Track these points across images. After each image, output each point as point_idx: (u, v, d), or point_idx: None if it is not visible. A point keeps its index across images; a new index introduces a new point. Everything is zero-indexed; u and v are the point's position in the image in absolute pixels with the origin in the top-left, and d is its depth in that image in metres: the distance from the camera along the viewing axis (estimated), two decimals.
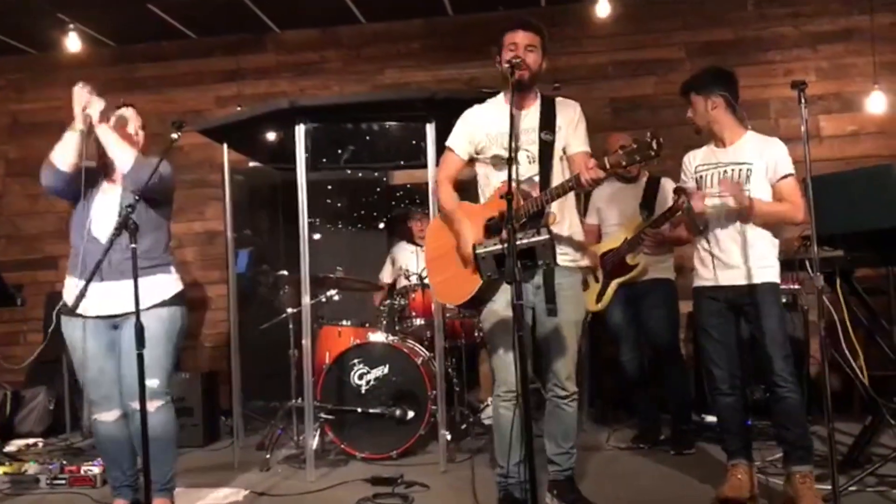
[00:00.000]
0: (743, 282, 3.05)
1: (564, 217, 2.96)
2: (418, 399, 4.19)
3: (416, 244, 5.14)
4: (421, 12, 5.89)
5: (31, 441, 4.97)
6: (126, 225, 2.68)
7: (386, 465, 4.03)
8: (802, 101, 2.69)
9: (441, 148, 3.22)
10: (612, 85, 5.74)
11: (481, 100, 3.14)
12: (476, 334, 4.61)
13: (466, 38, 5.75)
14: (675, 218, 3.87)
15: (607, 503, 3.16)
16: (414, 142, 4.83)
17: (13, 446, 4.82)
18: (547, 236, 2.51)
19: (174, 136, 2.84)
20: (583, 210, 4.60)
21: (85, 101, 3.02)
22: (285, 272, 4.75)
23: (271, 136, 4.64)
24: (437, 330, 4.01)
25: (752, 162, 3.06)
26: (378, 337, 4.44)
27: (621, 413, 4.99)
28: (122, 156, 3.02)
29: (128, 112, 3.23)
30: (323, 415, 4.18)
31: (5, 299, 4.61)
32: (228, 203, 4.49)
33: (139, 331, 2.65)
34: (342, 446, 4.21)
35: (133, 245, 2.68)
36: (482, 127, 3.01)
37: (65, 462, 3.99)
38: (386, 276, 5.41)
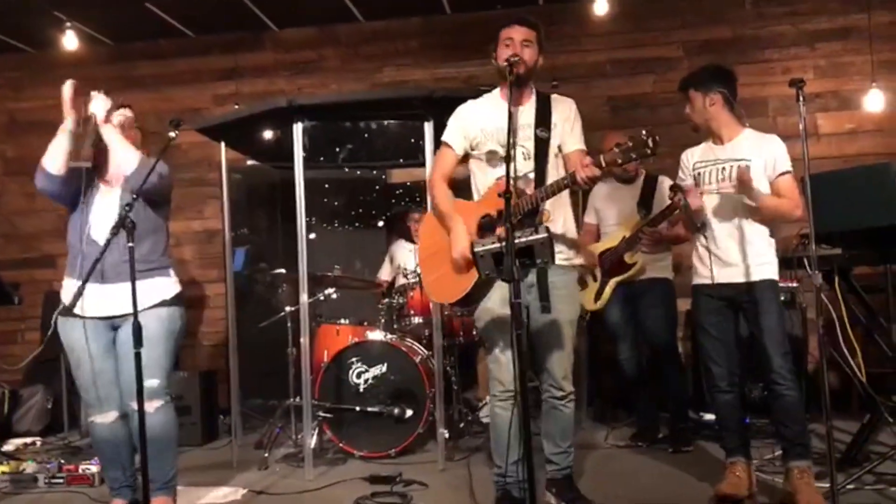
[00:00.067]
0: (741, 279, 3.06)
1: (559, 215, 2.96)
2: (416, 397, 4.19)
3: (415, 242, 5.14)
4: (419, 11, 5.89)
5: (28, 440, 4.96)
6: (124, 224, 2.67)
7: (384, 464, 4.03)
8: (800, 99, 2.69)
9: (439, 146, 3.21)
10: (611, 83, 5.74)
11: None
12: (474, 333, 4.61)
13: (465, 36, 5.74)
14: (673, 216, 3.88)
15: (606, 501, 3.16)
16: (412, 140, 4.83)
17: (11, 445, 4.81)
18: (546, 235, 2.51)
19: (172, 134, 2.83)
20: (581, 209, 4.60)
21: (68, 96, 2.99)
22: (282, 270, 4.74)
23: (269, 134, 4.63)
24: (436, 328, 4.01)
25: (750, 159, 3.06)
26: (376, 335, 4.43)
27: (620, 411, 4.99)
28: (127, 157, 3.01)
29: (126, 112, 3.22)
30: (321, 413, 4.18)
31: (3, 298, 4.61)
32: (226, 202, 4.49)
33: (137, 330, 2.65)
34: (340, 445, 4.21)
35: (130, 244, 2.67)
36: (476, 122, 3.00)
37: (63, 461, 4.00)
38: (384, 274, 5.41)
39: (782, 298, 3.19)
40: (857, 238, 3.28)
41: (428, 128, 3.93)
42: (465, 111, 3.06)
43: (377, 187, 6.19)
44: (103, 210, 3.07)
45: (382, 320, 4.58)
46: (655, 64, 5.69)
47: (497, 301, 2.92)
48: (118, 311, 3.00)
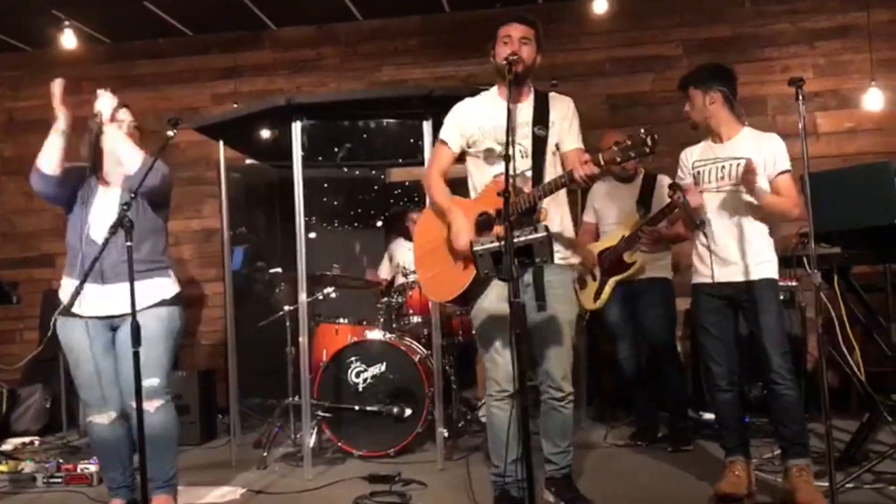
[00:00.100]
0: (741, 278, 3.06)
1: (555, 214, 2.94)
2: (415, 397, 4.19)
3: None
4: (418, 9, 5.88)
5: (27, 439, 4.96)
6: (122, 223, 2.67)
7: (383, 463, 4.02)
8: (800, 97, 2.69)
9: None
10: (610, 82, 5.74)
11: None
12: (473, 332, 4.59)
13: (464, 35, 5.74)
14: (672, 215, 3.88)
15: (605, 501, 3.15)
16: (411, 139, 4.82)
17: (9, 445, 4.81)
18: (545, 234, 2.50)
19: (170, 133, 2.82)
20: (580, 208, 4.60)
21: (58, 94, 2.98)
22: (279, 269, 4.74)
23: (268, 133, 4.62)
24: (435, 327, 4.01)
25: (750, 157, 3.06)
26: (375, 334, 4.43)
27: (619, 411, 4.99)
28: (132, 157, 3.00)
29: (126, 115, 3.22)
30: (320, 413, 4.17)
31: (1, 297, 4.61)
32: (225, 201, 4.48)
33: (136, 330, 2.64)
34: (339, 444, 4.20)
35: (129, 243, 2.67)
36: (474, 120, 2.99)
37: (61, 460, 4.00)
38: (383, 272, 5.41)
39: (781, 297, 3.19)
40: (856, 237, 3.28)
41: (427, 127, 3.92)
42: (463, 109, 3.05)
43: (376, 187, 6.19)
44: (102, 210, 3.06)
45: (381, 319, 4.57)
46: (654, 62, 5.68)
47: (493, 300, 2.91)
48: (117, 311, 2.99)
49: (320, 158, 5.31)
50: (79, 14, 5.59)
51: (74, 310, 2.97)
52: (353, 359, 4.28)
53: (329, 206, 6.08)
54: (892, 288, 3.40)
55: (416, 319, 4.63)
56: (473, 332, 4.51)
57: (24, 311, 5.78)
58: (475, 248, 2.57)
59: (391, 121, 4.58)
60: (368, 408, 4.19)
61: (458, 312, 4.52)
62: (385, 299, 4.68)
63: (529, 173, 2.90)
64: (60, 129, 3.00)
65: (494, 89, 3.06)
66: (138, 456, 3.02)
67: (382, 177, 6.16)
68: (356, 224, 6.12)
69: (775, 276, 3.09)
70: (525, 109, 2.96)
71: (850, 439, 3.55)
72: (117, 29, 5.99)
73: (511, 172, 2.51)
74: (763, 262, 3.06)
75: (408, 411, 4.16)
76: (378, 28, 6.01)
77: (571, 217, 3.11)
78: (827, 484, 2.67)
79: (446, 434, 4.03)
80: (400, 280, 4.89)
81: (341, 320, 4.61)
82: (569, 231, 3.04)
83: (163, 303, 3.09)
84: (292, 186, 3.91)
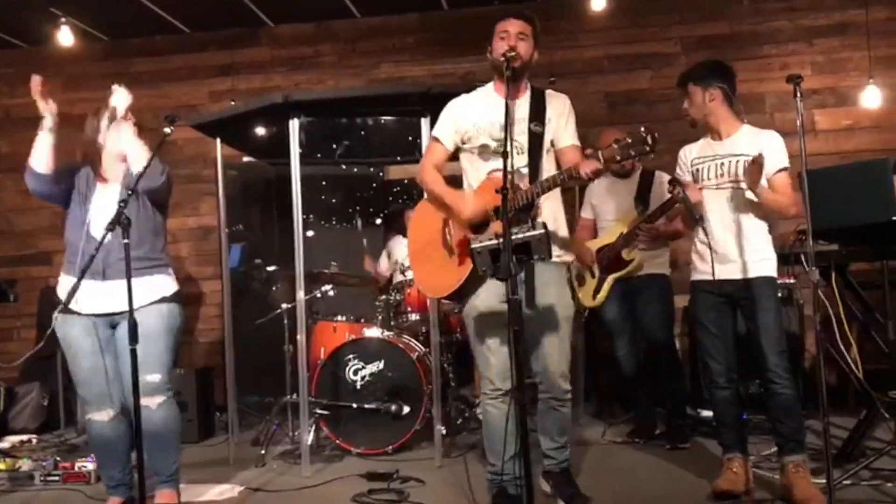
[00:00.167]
0: (740, 276, 3.05)
1: (549, 211, 2.92)
2: (413, 394, 4.18)
3: None
4: (416, 7, 5.87)
5: (24, 437, 4.95)
6: (119, 221, 2.66)
7: (381, 461, 4.02)
8: (798, 95, 2.69)
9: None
10: (608, 79, 5.73)
11: None
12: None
13: (462, 32, 5.73)
14: (671, 211, 3.88)
15: (603, 498, 3.15)
16: (409, 137, 4.81)
17: (7, 443, 4.80)
18: (542, 231, 2.50)
19: (167, 130, 2.82)
20: (577, 204, 4.60)
21: (36, 92, 2.98)
22: (276, 267, 4.73)
23: (265, 130, 4.61)
24: (433, 325, 4.01)
25: (748, 154, 3.05)
26: (373, 332, 4.42)
27: (617, 408, 4.99)
28: (140, 156, 3.00)
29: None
30: (318, 410, 4.17)
31: None
32: (222, 198, 4.47)
33: (133, 326, 2.64)
34: (337, 442, 4.20)
35: (126, 241, 2.66)
36: (469, 116, 2.98)
37: (59, 458, 3.98)
38: (383, 269, 5.40)
39: (780, 295, 3.19)
40: (853, 234, 3.28)
41: (425, 124, 3.92)
42: (457, 105, 3.04)
43: (374, 184, 6.18)
44: (102, 206, 3.06)
45: (379, 317, 4.57)
46: (652, 60, 5.68)
47: (486, 298, 2.90)
48: (117, 308, 2.99)
49: (318, 156, 5.30)
50: (75, 11, 5.57)
51: (74, 307, 2.98)
52: (351, 356, 4.28)
53: (327, 203, 6.07)
54: (889, 285, 3.40)
55: (414, 317, 4.62)
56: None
57: (22, 308, 5.77)
58: (473, 246, 2.57)
59: (389, 118, 4.58)
60: (366, 405, 4.19)
61: (455, 310, 4.52)
62: (383, 297, 4.68)
63: (525, 170, 2.89)
64: (48, 126, 3.01)
65: (490, 85, 3.05)
66: (145, 452, 3.05)
67: (381, 174, 6.15)
68: (354, 222, 6.11)
69: (774, 274, 3.09)
70: (522, 106, 2.95)
71: (847, 436, 3.56)
72: (114, 26, 5.97)
73: (511, 168, 2.51)
74: (762, 260, 3.06)
75: (406, 409, 4.16)
76: (376, 25, 6.00)
77: (569, 213, 3.10)
78: (824, 480, 2.67)
79: (444, 431, 4.04)
80: (398, 277, 4.89)
81: (339, 318, 4.60)
82: (563, 229, 3.03)
83: (163, 300, 3.09)
84: (290, 184, 3.90)
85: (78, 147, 3.16)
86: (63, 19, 5.54)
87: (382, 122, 4.70)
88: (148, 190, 3.03)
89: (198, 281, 6.03)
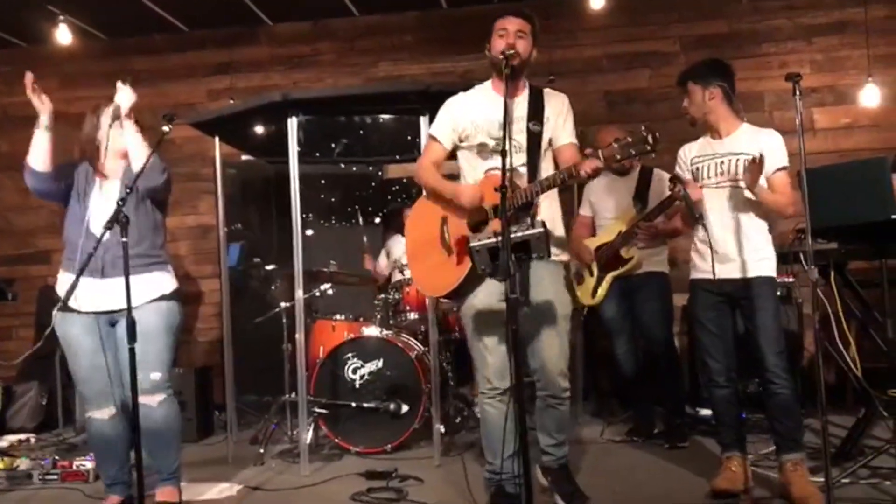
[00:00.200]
0: (739, 275, 3.05)
1: (546, 210, 2.91)
2: (412, 393, 4.18)
3: None
4: (415, 5, 5.87)
5: (23, 436, 4.95)
6: (117, 219, 2.66)
7: (380, 460, 4.02)
8: (797, 93, 2.68)
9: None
10: (607, 78, 5.73)
11: None
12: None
13: (460, 30, 5.72)
14: (670, 209, 3.88)
15: (602, 497, 3.15)
16: (408, 136, 4.81)
17: (5, 442, 4.80)
18: (541, 229, 2.50)
19: (165, 128, 2.82)
20: (576, 201, 4.59)
21: (30, 90, 2.98)
22: (274, 266, 4.73)
23: (264, 129, 4.61)
24: (431, 324, 4.00)
25: (748, 153, 3.05)
26: (372, 331, 4.42)
27: (616, 407, 4.99)
28: (141, 153, 2.99)
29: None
30: (317, 409, 4.17)
31: None
32: (221, 197, 4.47)
33: (131, 325, 2.64)
34: (336, 440, 4.20)
35: (124, 239, 2.66)
36: (467, 114, 2.97)
37: (57, 457, 3.98)
38: (382, 268, 5.39)
39: (778, 294, 3.19)
40: (852, 233, 3.28)
41: (424, 122, 3.91)
42: (455, 104, 3.03)
43: (373, 183, 6.17)
44: (102, 203, 3.06)
45: (378, 316, 4.57)
46: (651, 58, 5.68)
47: (482, 298, 2.90)
48: (117, 306, 2.98)
49: (317, 154, 5.29)
50: (73, 9, 5.56)
51: (73, 305, 2.98)
52: (349, 355, 4.27)
53: (326, 202, 6.06)
54: (888, 283, 3.40)
55: (412, 316, 4.62)
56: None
57: (20, 308, 5.76)
58: (472, 244, 2.56)
59: (388, 117, 4.57)
60: (365, 404, 4.19)
61: (454, 308, 4.50)
62: (382, 296, 4.68)
63: (524, 169, 2.89)
64: (44, 124, 3.01)
65: (488, 83, 3.03)
66: (145, 451, 3.05)
67: (379, 173, 6.14)
68: (353, 220, 6.10)
69: (773, 273, 3.08)
70: (520, 105, 2.94)
71: (845, 435, 3.56)
72: (112, 25, 5.96)
73: (510, 167, 2.50)
74: (761, 260, 3.06)
75: (405, 408, 4.16)
76: (375, 24, 5.99)
77: (567, 210, 3.10)
78: (823, 479, 2.67)
79: (443, 430, 4.04)
80: (397, 276, 4.89)
81: (338, 317, 4.60)
82: (559, 229, 3.01)
83: (162, 297, 3.09)
84: (288, 182, 3.90)
85: (77, 144, 3.15)
86: (61, 17, 5.53)
87: (381, 120, 4.69)
88: (148, 188, 3.04)
89: (196, 280, 6.02)
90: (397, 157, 5.51)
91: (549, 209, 2.94)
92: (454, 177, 3.08)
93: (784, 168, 3.07)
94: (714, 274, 3.02)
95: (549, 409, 2.99)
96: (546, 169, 2.92)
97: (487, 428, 3.00)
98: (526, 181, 2.85)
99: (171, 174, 3.13)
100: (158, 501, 3.13)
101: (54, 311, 3.03)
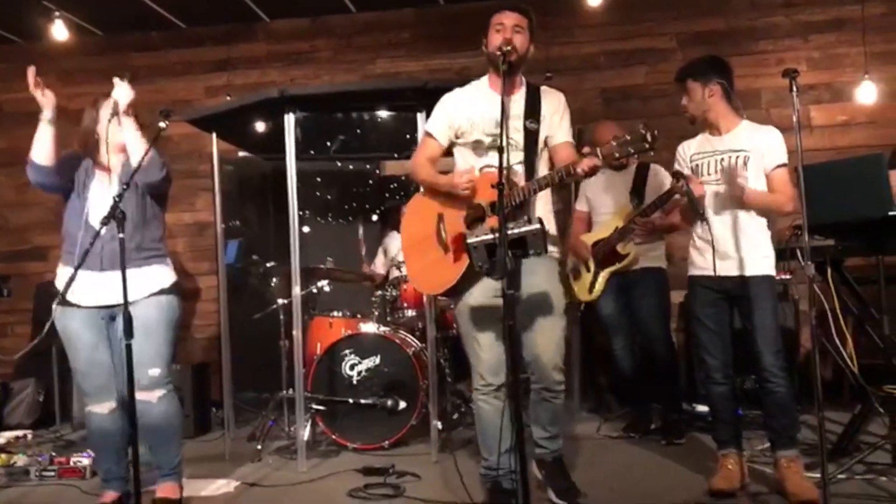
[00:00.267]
0: (738, 272, 3.05)
1: (542, 208, 2.91)
2: (410, 389, 4.19)
3: None
4: (412, 2, 5.86)
5: (20, 433, 4.93)
6: (114, 215, 2.66)
7: (377, 456, 4.02)
8: (794, 89, 2.68)
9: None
10: (604, 75, 5.73)
11: None
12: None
13: (458, 27, 5.72)
14: (667, 205, 3.88)
15: (599, 493, 3.16)
16: (405, 132, 4.80)
17: (2, 438, 4.77)
18: (538, 226, 2.50)
19: (162, 124, 2.82)
20: (573, 197, 4.60)
21: (32, 84, 2.98)
22: (273, 263, 4.72)
23: (261, 125, 4.61)
24: (429, 320, 4.00)
25: (748, 149, 3.05)
26: (369, 328, 4.43)
27: (613, 403, 5.00)
28: (140, 149, 2.99)
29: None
30: (314, 406, 4.17)
31: None
32: (218, 194, 4.46)
33: (128, 321, 2.64)
34: (333, 437, 4.20)
35: (121, 235, 2.66)
36: (463, 111, 2.96)
37: (54, 454, 3.98)
38: (378, 266, 5.40)
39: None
40: (849, 229, 3.28)
41: (421, 119, 3.91)
42: (451, 100, 3.01)
43: (370, 180, 6.17)
44: (101, 195, 3.05)
45: (375, 312, 4.57)
46: (648, 55, 5.68)
47: (477, 296, 2.89)
48: (116, 301, 2.97)
49: (312, 152, 5.29)
50: (70, 5, 5.54)
51: (73, 300, 2.98)
52: (347, 352, 4.27)
53: (323, 199, 6.06)
54: (884, 280, 3.41)
55: (410, 312, 4.62)
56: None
57: (16, 304, 5.76)
58: (469, 241, 2.56)
59: (385, 113, 4.57)
60: (363, 401, 4.19)
61: (451, 305, 4.51)
62: (379, 292, 4.68)
63: (520, 167, 2.88)
64: (48, 118, 3.00)
65: (485, 79, 3.02)
66: (145, 447, 3.06)
67: (377, 170, 6.14)
68: (350, 218, 6.10)
69: (772, 272, 3.08)
70: (517, 102, 2.93)
71: (842, 431, 3.57)
72: (109, 21, 5.95)
73: (507, 164, 2.50)
74: (760, 258, 3.05)
75: (402, 404, 4.17)
76: (372, 20, 5.99)
77: (564, 206, 3.10)
78: (819, 475, 2.68)
79: (440, 426, 4.04)
80: (394, 273, 4.88)
81: (335, 313, 4.60)
82: (551, 226, 2.99)
83: (161, 292, 3.10)
84: (286, 179, 3.90)
85: (77, 138, 3.15)
86: (57, 14, 5.52)
87: (378, 117, 4.69)
88: (147, 184, 3.04)
89: (194, 277, 6.02)
90: (395, 154, 5.51)
91: (543, 207, 2.93)
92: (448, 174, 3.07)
93: (783, 165, 3.06)
94: (715, 271, 3.02)
95: (543, 403, 2.98)
96: (542, 167, 2.92)
97: (482, 424, 3.00)
98: (522, 179, 2.84)
99: (171, 170, 3.13)
100: (158, 497, 3.13)
101: (54, 305, 3.03)
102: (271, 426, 4.42)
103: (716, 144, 3.15)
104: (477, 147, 2.94)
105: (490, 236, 2.49)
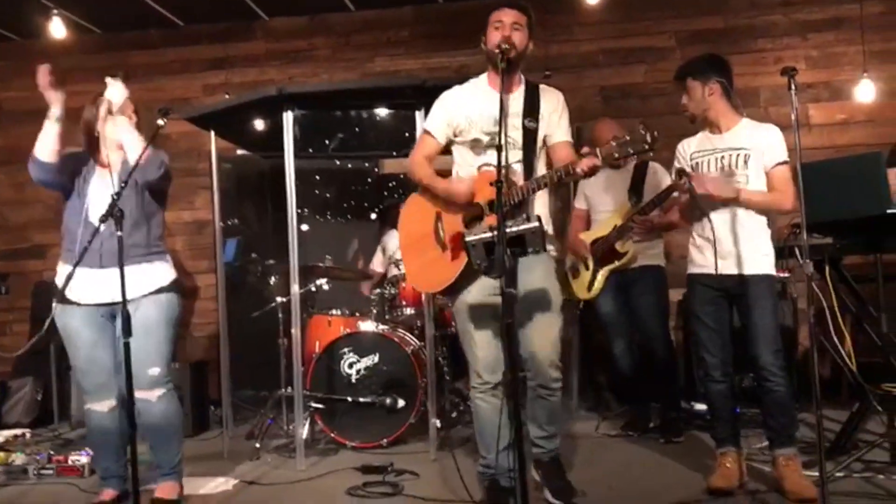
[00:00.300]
0: (738, 271, 3.04)
1: (539, 207, 2.89)
2: (408, 388, 4.19)
3: None
4: (411, 0, 5.85)
5: (18, 432, 4.93)
6: (112, 212, 2.66)
7: (376, 454, 4.03)
8: (792, 86, 2.68)
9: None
10: (602, 73, 5.73)
11: None
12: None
13: (456, 25, 5.72)
14: (666, 203, 3.88)
15: (597, 491, 3.16)
16: (404, 130, 4.80)
17: (0, 437, 4.79)
18: (537, 224, 2.50)
19: (160, 122, 2.82)
20: (572, 195, 4.60)
21: (44, 82, 2.97)
22: (273, 261, 4.72)
23: (259, 123, 4.60)
24: (428, 319, 4.00)
25: (749, 148, 3.05)
26: (368, 326, 4.42)
27: (611, 401, 5.00)
28: (137, 148, 2.99)
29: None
30: (313, 404, 4.17)
31: None
32: (216, 192, 4.46)
33: (126, 319, 2.64)
34: (332, 435, 4.20)
35: (119, 232, 2.66)
36: (462, 109, 2.94)
37: (52, 452, 3.97)
38: (377, 264, 5.39)
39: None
40: (847, 228, 3.28)
41: (419, 117, 3.90)
42: (450, 98, 3.00)
43: (369, 179, 6.17)
44: (101, 192, 3.05)
45: (374, 311, 4.57)
46: (647, 54, 5.68)
47: (475, 294, 2.89)
48: (116, 298, 2.97)
49: (311, 150, 5.29)
50: (67, 3, 5.54)
51: (73, 297, 2.98)
52: (345, 350, 4.27)
53: (322, 197, 6.06)
54: (883, 278, 3.41)
55: (408, 311, 4.62)
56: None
57: (14, 303, 5.76)
58: (467, 239, 2.56)
59: (384, 112, 4.56)
60: (361, 399, 4.19)
61: (450, 304, 4.51)
62: (378, 291, 4.68)
63: (518, 166, 2.87)
64: (55, 116, 2.99)
65: (484, 77, 3.00)
66: (146, 445, 3.06)
67: (376, 169, 6.14)
68: (349, 216, 6.10)
69: (772, 271, 3.08)
70: (516, 100, 2.91)
71: (840, 429, 3.57)
72: (107, 19, 5.94)
73: (506, 163, 2.50)
74: (760, 256, 3.05)
75: (401, 402, 4.17)
76: (371, 19, 5.98)
77: (563, 204, 3.09)
78: (817, 473, 2.68)
79: (439, 425, 4.04)
80: (393, 271, 4.88)
81: (334, 312, 4.60)
82: (549, 225, 2.98)
83: (162, 290, 3.10)
84: (284, 177, 3.89)
85: (82, 131, 3.14)
86: (55, 11, 5.51)
87: (377, 115, 4.69)
88: (145, 182, 3.04)
89: (192, 275, 6.02)
90: (393, 152, 5.51)
91: (541, 206, 2.93)
92: (446, 173, 3.07)
93: (784, 162, 3.05)
94: (717, 269, 3.00)
95: (539, 400, 2.96)
96: (541, 166, 2.92)
97: (480, 422, 2.99)
98: (521, 178, 2.84)
99: (170, 168, 3.12)
100: (157, 497, 3.13)
101: (54, 303, 3.03)
102: (270, 424, 4.42)
103: (716, 143, 3.15)
104: (475, 145, 2.93)
105: (489, 234, 2.48)
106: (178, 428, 3.20)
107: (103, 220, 2.66)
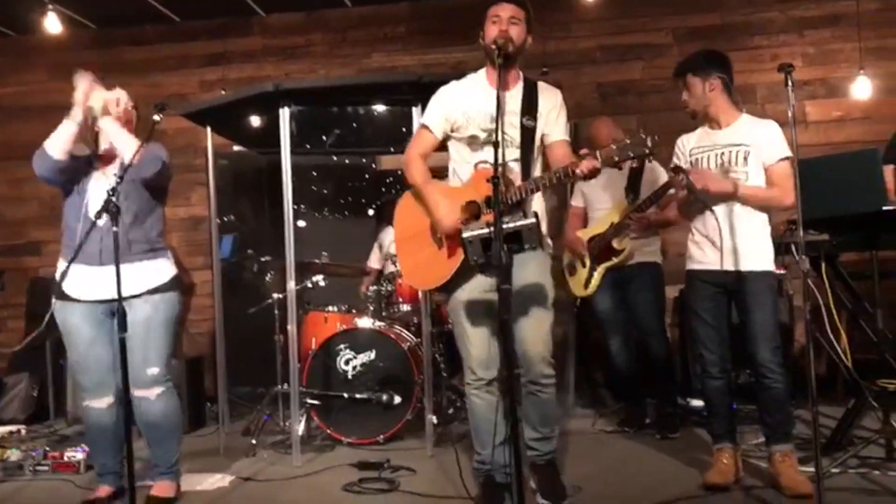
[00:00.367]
0: (737, 268, 3.04)
1: (537, 205, 2.88)
2: (405, 384, 4.18)
3: None
4: None
5: (14, 428, 4.91)
6: (107, 208, 2.65)
7: (372, 450, 4.03)
8: (789, 83, 2.68)
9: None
10: (600, 70, 5.73)
11: None
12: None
13: (453, 21, 5.71)
14: (663, 200, 3.87)
15: (593, 487, 3.17)
16: (401, 126, 4.80)
17: None
18: (533, 220, 2.50)
19: (156, 118, 2.81)
20: (569, 192, 4.59)
21: (85, 88, 2.97)
22: (269, 257, 4.71)
23: (256, 119, 4.59)
24: (424, 315, 4.00)
25: (748, 143, 3.05)
26: (365, 322, 4.42)
27: (607, 397, 5.01)
28: (128, 148, 2.98)
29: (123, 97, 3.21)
30: (309, 400, 4.17)
31: None
32: (213, 188, 4.45)
33: (122, 316, 2.63)
34: (328, 432, 4.20)
35: (115, 228, 2.65)
36: (459, 104, 2.93)
37: (48, 448, 3.97)
38: (374, 261, 5.39)
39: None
40: (843, 224, 3.29)
41: (416, 113, 3.90)
42: (448, 93, 2.98)
43: (366, 175, 6.16)
44: (101, 190, 3.04)
45: (371, 307, 4.57)
46: (644, 50, 5.68)
47: (471, 290, 2.89)
48: (115, 295, 2.97)
49: (307, 146, 5.28)
50: None
51: (72, 294, 2.97)
52: (342, 346, 4.27)
53: (318, 193, 6.05)
54: (878, 275, 3.41)
55: (405, 307, 4.62)
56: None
57: (10, 299, 5.74)
58: (464, 235, 2.56)
59: (380, 108, 4.56)
60: (358, 395, 4.19)
61: (446, 300, 4.51)
62: (374, 287, 4.68)
63: (516, 164, 2.86)
64: (77, 119, 2.99)
65: (482, 72, 2.99)
66: (144, 442, 3.05)
67: (373, 165, 6.13)
68: (346, 212, 6.10)
69: (771, 268, 3.08)
70: (514, 98, 2.90)
71: (836, 425, 3.58)
72: (103, 14, 5.92)
73: (502, 160, 2.49)
74: (759, 254, 3.05)
75: (397, 399, 4.16)
76: (367, 15, 5.97)
77: (560, 201, 3.09)
78: (813, 469, 2.69)
79: (435, 421, 4.04)
80: (389, 268, 4.88)
81: (330, 308, 4.60)
82: (544, 222, 2.98)
83: (161, 287, 3.09)
84: (281, 174, 3.89)
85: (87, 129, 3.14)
86: (50, 7, 5.47)
87: (374, 111, 4.68)
88: (142, 179, 3.03)
89: (189, 271, 6.00)
90: (390, 148, 5.50)
91: (538, 204, 2.92)
92: (442, 169, 3.06)
93: (787, 158, 3.03)
94: (721, 264, 3.00)
95: (530, 396, 2.94)
96: (539, 164, 2.91)
97: (475, 419, 2.99)
98: (517, 176, 2.83)
99: (168, 164, 3.11)
100: (152, 495, 3.12)
101: (53, 299, 3.02)
102: (266, 421, 4.42)
103: (715, 138, 3.14)
104: (472, 142, 2.92)
105: (485, 230, 2.48)
106: (177, 427, 3.20)
107: (98, 215, 2.65)
